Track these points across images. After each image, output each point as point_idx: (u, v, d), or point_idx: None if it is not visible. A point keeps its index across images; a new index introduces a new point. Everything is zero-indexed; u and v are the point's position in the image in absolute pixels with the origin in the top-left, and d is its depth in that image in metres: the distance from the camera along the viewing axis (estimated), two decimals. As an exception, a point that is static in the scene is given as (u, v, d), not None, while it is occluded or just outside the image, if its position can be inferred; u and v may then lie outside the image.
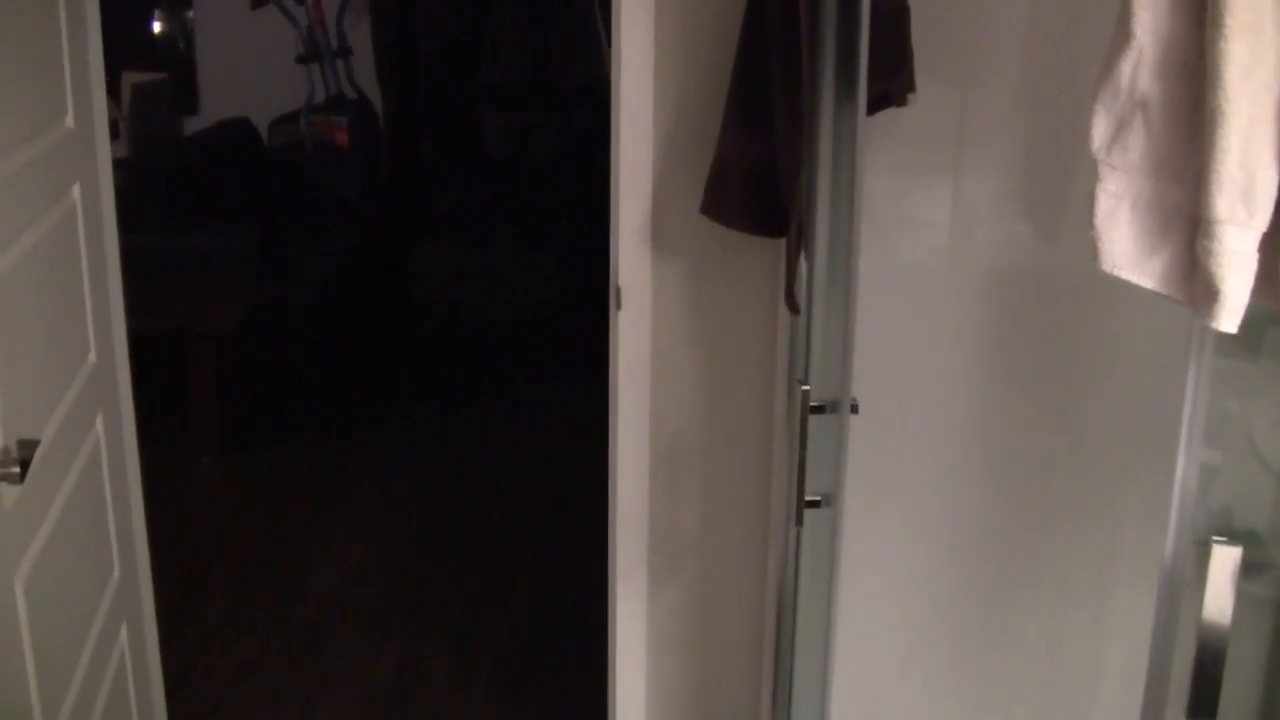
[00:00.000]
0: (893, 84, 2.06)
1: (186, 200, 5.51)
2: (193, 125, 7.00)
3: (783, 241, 2.28)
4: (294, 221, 5.96)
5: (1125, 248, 1.43)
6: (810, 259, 2.13)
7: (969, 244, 2.37)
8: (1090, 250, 1.46)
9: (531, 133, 6.93)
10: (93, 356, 2.34)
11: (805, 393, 2.05)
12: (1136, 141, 1.41)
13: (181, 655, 3.44)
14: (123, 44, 6.40)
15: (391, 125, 6.80)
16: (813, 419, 2.07)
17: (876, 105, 2.09)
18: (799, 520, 2.13)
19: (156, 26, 7.11)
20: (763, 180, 2.18)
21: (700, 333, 2.50)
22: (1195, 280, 1.38)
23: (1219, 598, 1.61)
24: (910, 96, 2.17)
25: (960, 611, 2.48)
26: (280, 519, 4.36)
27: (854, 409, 2.06)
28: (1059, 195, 2.29)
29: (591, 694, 2.85)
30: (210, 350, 4.70)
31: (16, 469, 1.76)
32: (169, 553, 3.98)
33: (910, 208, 2.36)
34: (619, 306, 2.49)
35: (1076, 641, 2.43)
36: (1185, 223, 1.40)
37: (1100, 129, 1.43)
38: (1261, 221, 1.33)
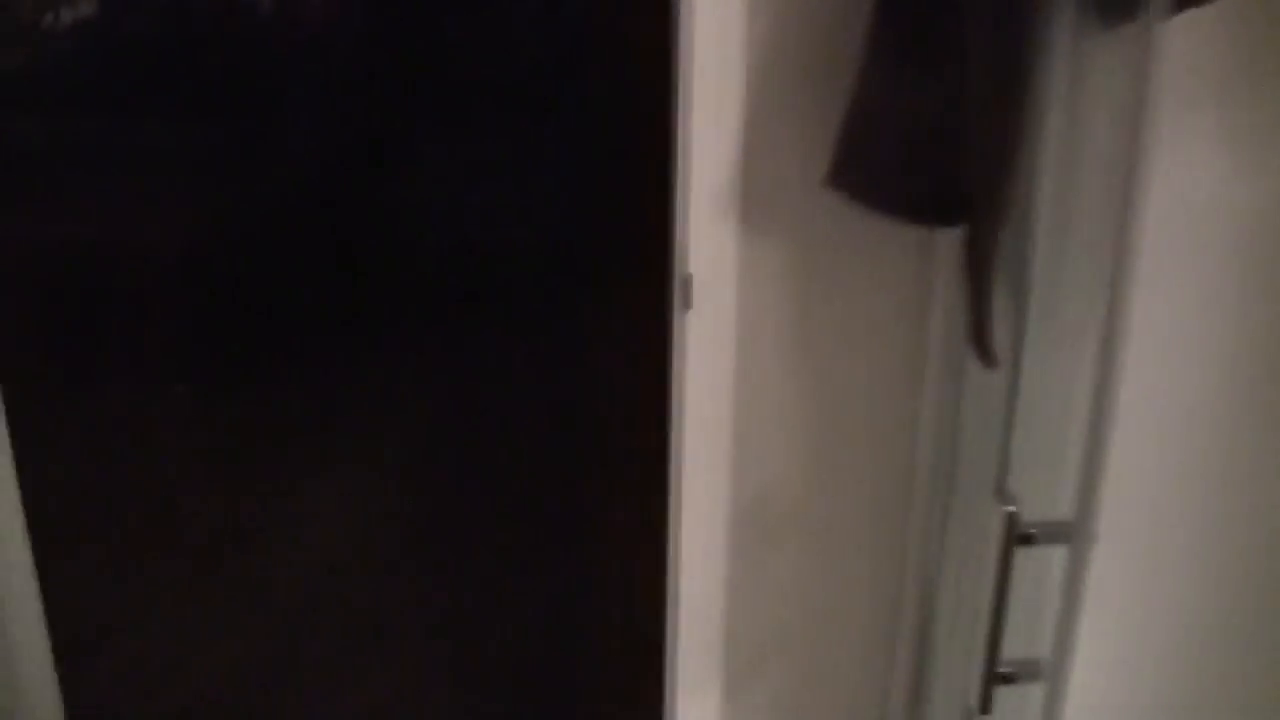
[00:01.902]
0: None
1: (152, 73, 4.62)
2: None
3: (949, 234, 1.42)
4: (268, 104, 5.05)
5: None
6: (1024, 282, 1.27)
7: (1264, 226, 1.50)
8: None
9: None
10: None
11: (1010, 516, 1.22)
12: None
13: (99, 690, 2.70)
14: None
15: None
16: (1020, 552, 1.25)
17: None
18: (985, 706, 1.33)
19: None
20: (931, 143, 1.30)
21: (808, 349, 1.65)
22: None
23: None
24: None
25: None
26: (260, 470, 3.57)
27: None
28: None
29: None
30: (173, 264, 3.87)
31: None
32: (123, 510, 3.24)
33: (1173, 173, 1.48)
34: (687, 306, 1.64)
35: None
36: None
37: None
38: None
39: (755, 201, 1.57)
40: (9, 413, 2.21)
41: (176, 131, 4.36)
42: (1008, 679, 1.29)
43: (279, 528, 3.26)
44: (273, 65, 4.76)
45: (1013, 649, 1.29)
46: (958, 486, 1.58)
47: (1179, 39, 1.27)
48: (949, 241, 1.52)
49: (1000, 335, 1.28)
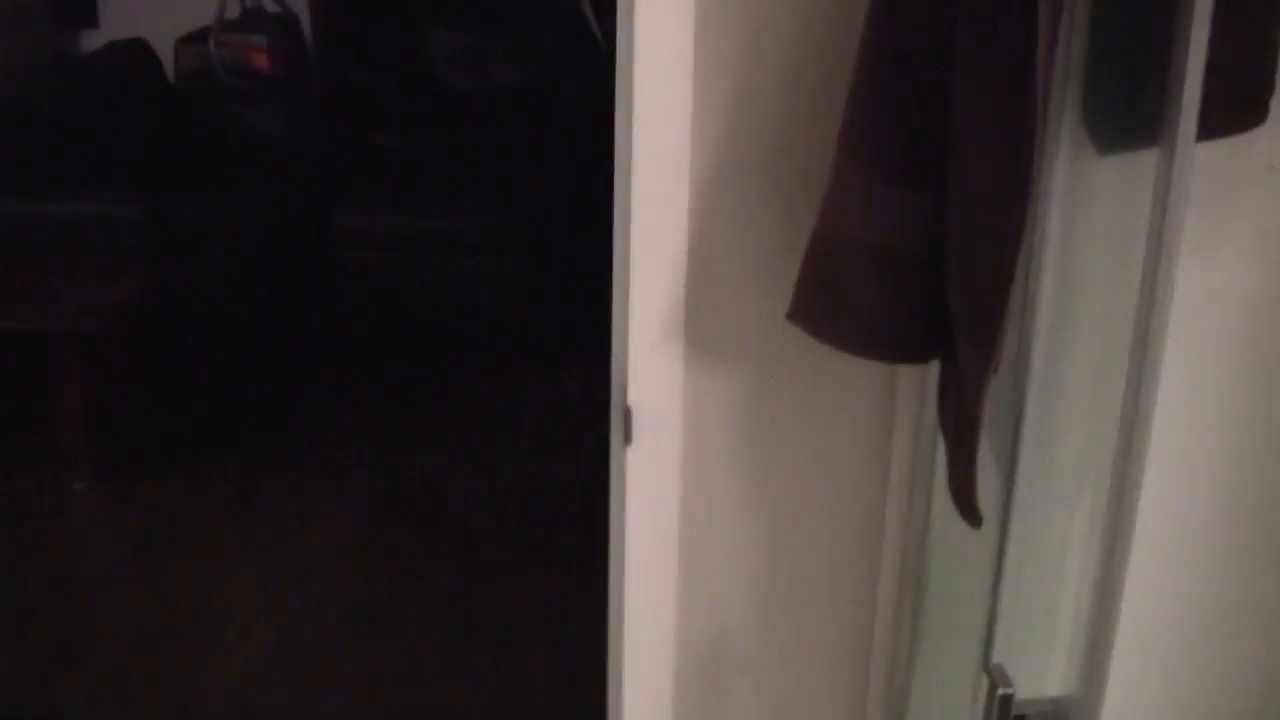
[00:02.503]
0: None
1: (59, 150, 4.42)
2: (93, 41, 5.87)
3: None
4: (196, 176, 4.88)
5: None
6: (1015, 430, 1.14)
7: None
8: None
9: (489, 58, 5.85)
10: None
11: (1004, 699, 1.08)
12: None
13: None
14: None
15: (321, 47, 5.70)
16: None
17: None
18: None
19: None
20: (911, 274, 1.17)
21: (760, 486, 1.50)
22: None
23: None
24: None
25: None
26: (170, 573, 3.36)
27: None
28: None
29: None
30: (77, 351, 3.66)
31: None
32: (20, 622, 3.01)
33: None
34: (627, 440, 1.49)
35: None
36: None
37: None
38: None
39: (703, 327, 1.43)
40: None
41: (107, 205, 4.16)
42: None
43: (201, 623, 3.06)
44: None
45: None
46: (926, 632, 1.44)
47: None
48: (913, 371, 1.39)
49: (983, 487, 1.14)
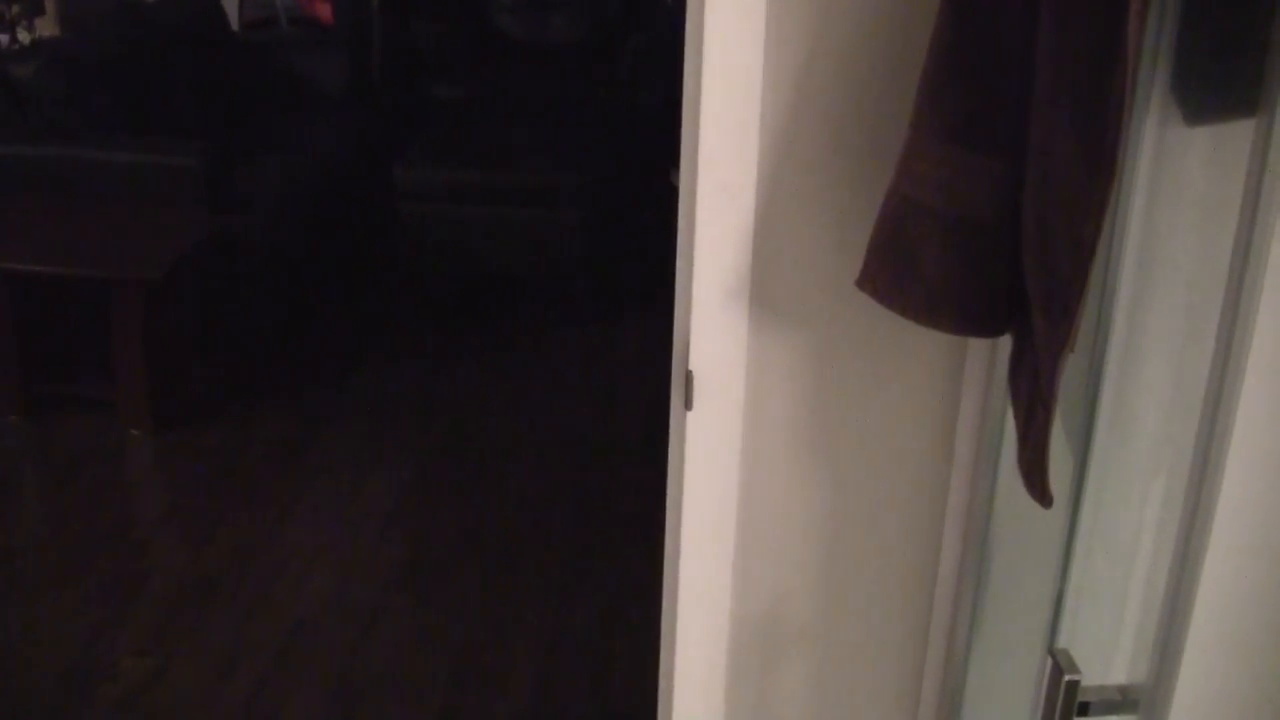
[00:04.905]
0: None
1: (122, 98, 4.42)
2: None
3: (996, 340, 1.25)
4: (257, 125, 4.88)
5: None
6: (1090, 408, 1.10)
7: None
8: None
9: (550, 9, 5.80)
10: None
11: (1070, 685, 1.05)
12: None
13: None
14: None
15: (385, -2, 5.68)
16: (1079, 726, 1.08)
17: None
18: None
19: None
20: (985, 244, 1.13)
21: (822, 453, 1.47)
22: None
23: None
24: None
25: None
26: (225, 522, 3.38)
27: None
28: None
29: None
30: (136, 299, 3.68)
31: None
32: (84, 565, 3.11)
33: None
34: (689, 405, 1.47)
35: None
36: None
37: None
38: None
39: (768, 293, 1.40)
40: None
41: (170, 153, 4.15)
42: None
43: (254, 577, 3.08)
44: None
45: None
46: (988, 610, 1.41)
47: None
48: (983, 343, 1.36)
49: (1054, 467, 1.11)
